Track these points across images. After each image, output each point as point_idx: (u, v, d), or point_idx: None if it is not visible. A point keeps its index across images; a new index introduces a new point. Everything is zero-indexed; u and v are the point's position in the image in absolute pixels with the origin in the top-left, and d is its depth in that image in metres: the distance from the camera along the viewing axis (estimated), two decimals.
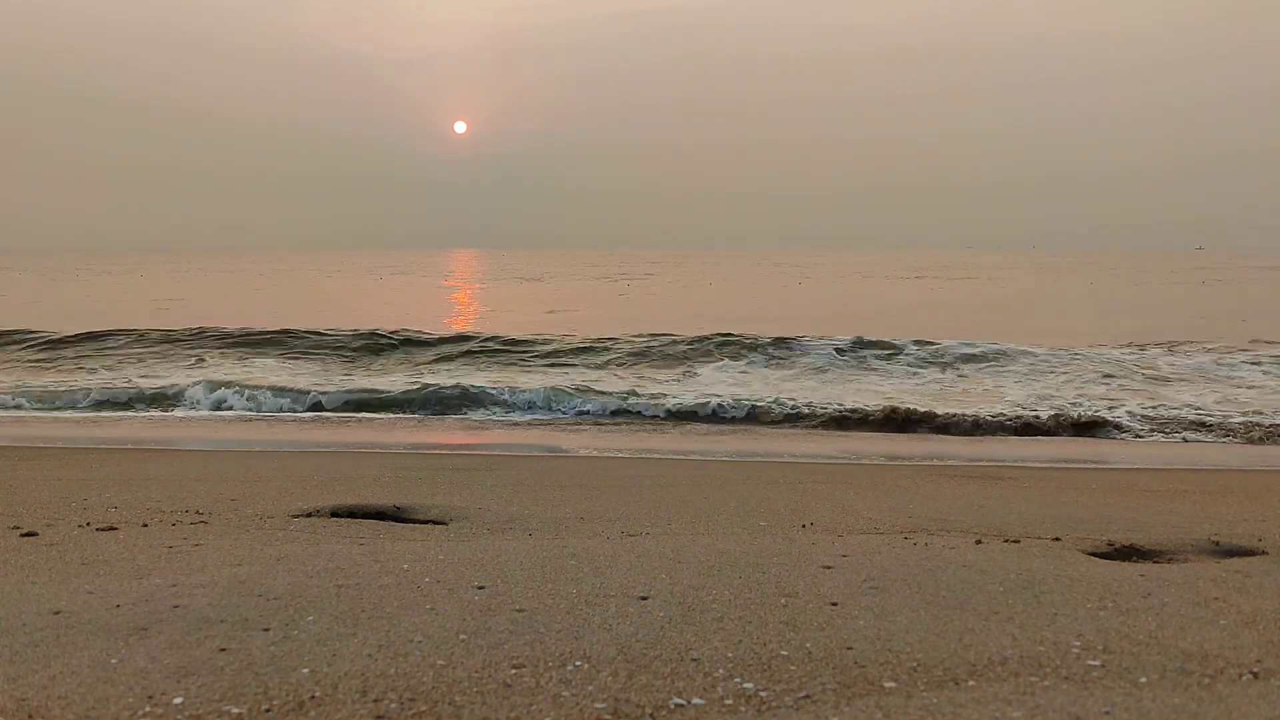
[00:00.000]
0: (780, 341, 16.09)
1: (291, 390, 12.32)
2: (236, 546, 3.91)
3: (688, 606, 2.95)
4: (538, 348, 16.38)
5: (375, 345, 16.77)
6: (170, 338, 17.43)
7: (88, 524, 4.44)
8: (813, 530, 4.49)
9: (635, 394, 11.98)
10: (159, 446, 8.83)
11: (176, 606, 2.89)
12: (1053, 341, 15.91)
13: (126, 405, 12.00)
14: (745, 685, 2.35)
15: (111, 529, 4.31)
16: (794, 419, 10.79)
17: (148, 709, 2.17)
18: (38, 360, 15.87)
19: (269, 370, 14.58)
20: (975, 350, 15.07)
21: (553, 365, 15.03)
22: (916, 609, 2.94)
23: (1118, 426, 10.02)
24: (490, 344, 16.77)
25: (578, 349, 16.12)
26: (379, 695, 2.26)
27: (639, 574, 3.34)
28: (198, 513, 4.84)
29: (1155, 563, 3.81)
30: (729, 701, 2.26)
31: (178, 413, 11.59)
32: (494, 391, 12.00)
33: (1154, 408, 10.80)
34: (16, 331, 17.88)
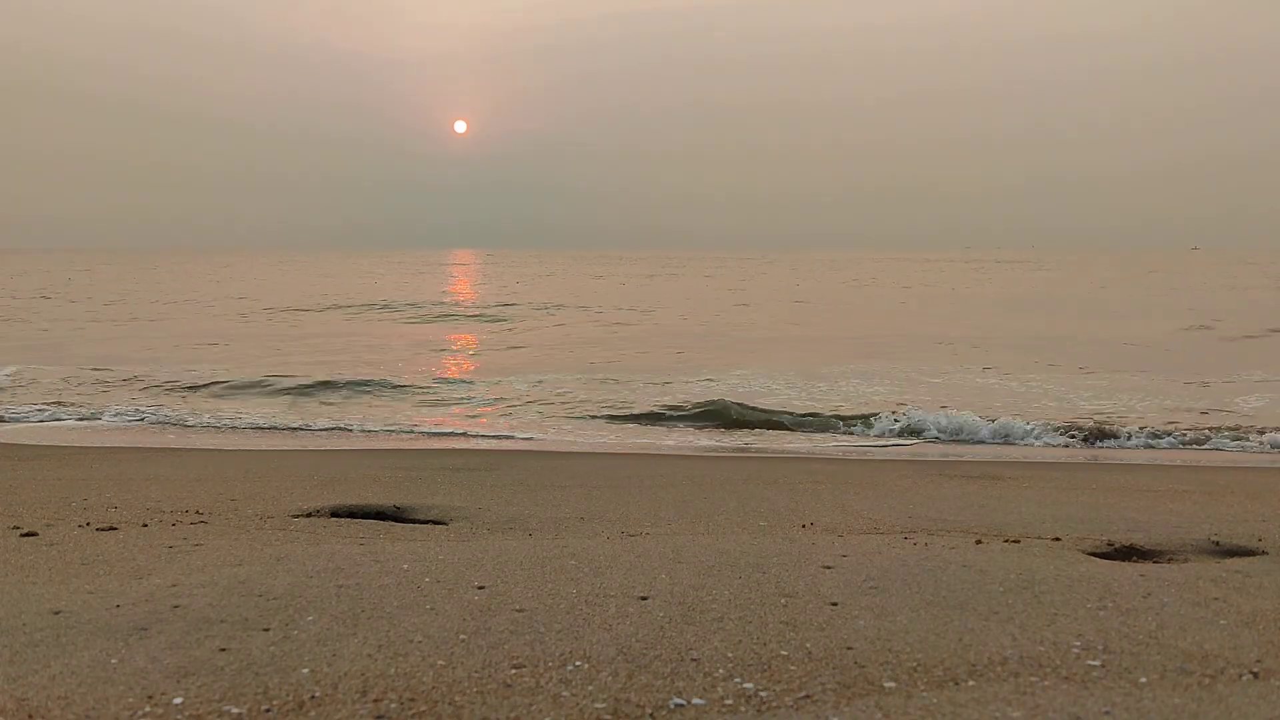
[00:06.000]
0: None
1: None
2: (236, 546, 3.91)
3: (688, 606, 2.95)
4: None
5: None
6: None
7: (88, 524, 4.44)
8: (813, 530, 4.49)
9: None
10: (159, 447, 8.83)
11: (176, 606, 2.89)
12: None
13: None
14: (745, 685, 2.35)
15: (111, 529, 4.31)
16: None
17: (148, 709, 2.17)
18: None
19: None
20: None
21: None
22: (916, 609, 2.94)
23: None
24: None
25: None
26: (379, 695, 2.26)
27: (639, 574, 3.34)
28: (198, 513, 4.84)
29: (1155, 563, 3.81)
30: (729, 701, 2.26)
31: None
32: None
33: None
34: None
